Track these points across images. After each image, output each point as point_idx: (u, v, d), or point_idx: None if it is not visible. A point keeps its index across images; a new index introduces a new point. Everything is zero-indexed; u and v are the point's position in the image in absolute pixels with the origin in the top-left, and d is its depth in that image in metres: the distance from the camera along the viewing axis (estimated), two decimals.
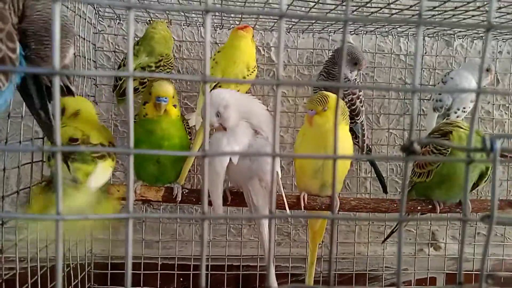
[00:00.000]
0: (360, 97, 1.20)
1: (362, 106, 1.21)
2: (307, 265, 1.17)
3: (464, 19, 1.11)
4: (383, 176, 1.30)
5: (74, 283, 1.14)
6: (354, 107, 1.19)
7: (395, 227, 1.25)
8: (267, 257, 1.00)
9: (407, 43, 1.37)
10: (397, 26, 1.28)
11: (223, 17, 1.25)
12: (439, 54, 1.38)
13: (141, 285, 1.27)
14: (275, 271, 1.33)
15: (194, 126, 1.16)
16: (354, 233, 1.40)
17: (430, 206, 1.06)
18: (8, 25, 0.56)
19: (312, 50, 1.34)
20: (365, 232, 1.40)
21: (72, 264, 1.14)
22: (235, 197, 0.99)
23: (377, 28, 1.30)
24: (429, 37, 1.37)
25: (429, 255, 1.40)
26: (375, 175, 1.28)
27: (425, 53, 1.37)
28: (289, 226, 1.38)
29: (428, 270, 1.39)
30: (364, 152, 1.21)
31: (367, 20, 1.05)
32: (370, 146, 1.26)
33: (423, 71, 1.37)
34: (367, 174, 1.38)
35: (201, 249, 0.34)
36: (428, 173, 1.03)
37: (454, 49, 1.38)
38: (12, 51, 0.56)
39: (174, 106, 0.96)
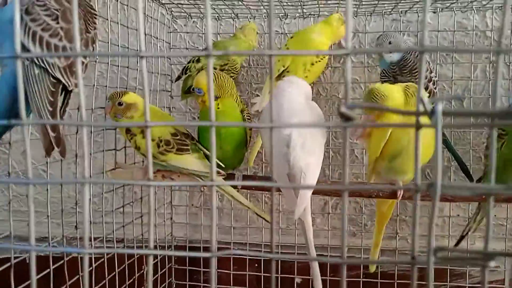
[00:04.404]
0: (433, 78, 1.12)
1: (435, 88, 1.13)
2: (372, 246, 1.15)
3: None
4: (466, 164, 1.19)
5: (154, 261, 1.25)
6: (427, 90, 1.12)
7: (465, 230, 1.16)
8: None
9: (493, 17, 1.23)
10: None
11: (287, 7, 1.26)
12: None
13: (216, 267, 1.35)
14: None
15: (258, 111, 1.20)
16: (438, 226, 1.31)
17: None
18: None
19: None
20: (447, 225, 1.30)
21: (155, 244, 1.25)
22: None
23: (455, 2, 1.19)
24: None
25: None
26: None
27: None
28: (364, 216, 1.34)
29: None
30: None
31: None
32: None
33: None
34: (449, 163, 1.27)
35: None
36: None
37: None
38: None
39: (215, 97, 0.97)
